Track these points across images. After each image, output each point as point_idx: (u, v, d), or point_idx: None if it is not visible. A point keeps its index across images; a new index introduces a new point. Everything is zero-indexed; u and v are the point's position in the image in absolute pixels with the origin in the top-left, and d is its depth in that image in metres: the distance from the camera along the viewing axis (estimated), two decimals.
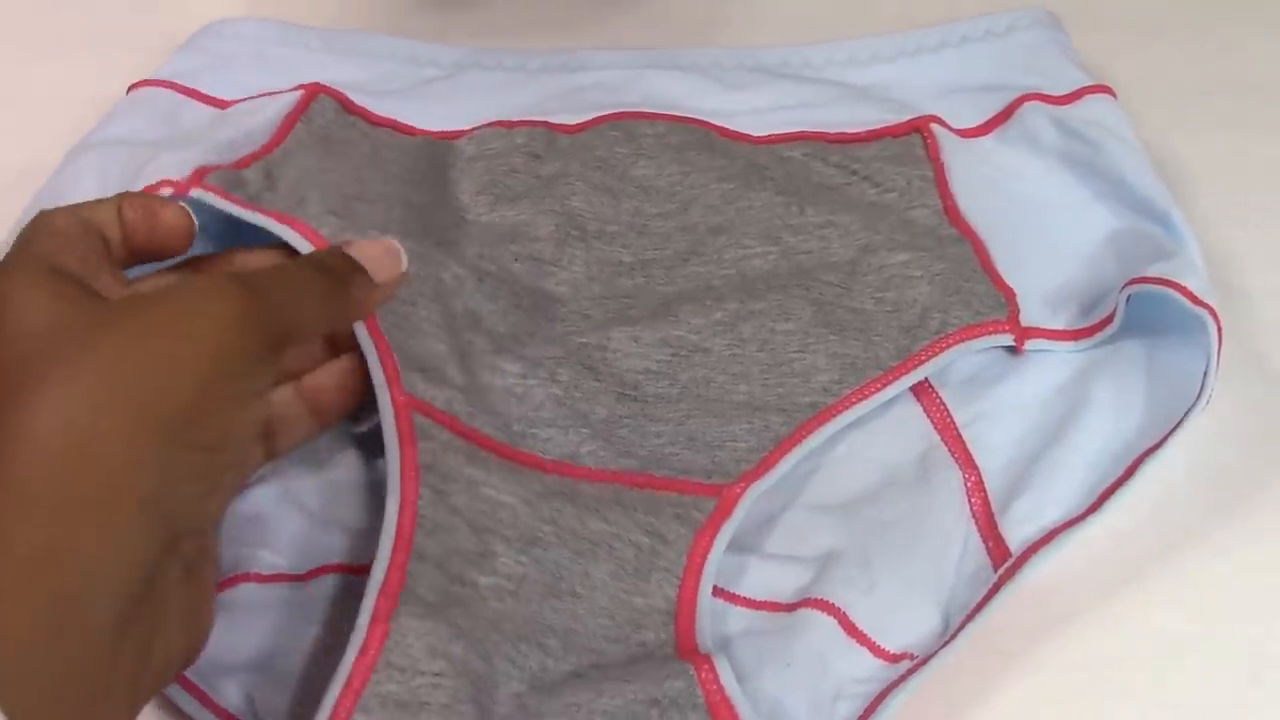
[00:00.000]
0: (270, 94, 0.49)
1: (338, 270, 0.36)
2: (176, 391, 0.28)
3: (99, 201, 0.35)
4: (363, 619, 0.32)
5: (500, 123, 0.48)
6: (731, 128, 0.49)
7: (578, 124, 0.48)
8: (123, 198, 0.35)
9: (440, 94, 0.52)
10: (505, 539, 0.35)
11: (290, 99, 0.48)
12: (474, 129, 0.49)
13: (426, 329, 0.39)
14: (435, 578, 0.34)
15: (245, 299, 0.31)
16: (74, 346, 0.28)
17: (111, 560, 0.27)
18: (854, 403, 0.39)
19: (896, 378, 0.39)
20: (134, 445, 0.27)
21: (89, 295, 0.30)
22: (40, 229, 0.32)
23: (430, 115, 0.50)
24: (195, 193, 0.41)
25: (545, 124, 0.48)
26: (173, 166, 0.44)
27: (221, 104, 0.50)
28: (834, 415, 0.39)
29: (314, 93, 0.48)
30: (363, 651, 0.31)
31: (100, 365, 0.28)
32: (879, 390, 0.39)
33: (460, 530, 0.35)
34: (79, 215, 0.34)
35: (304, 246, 0.40)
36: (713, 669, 0.32)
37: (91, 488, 0.27)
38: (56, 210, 0.33)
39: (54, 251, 0.31)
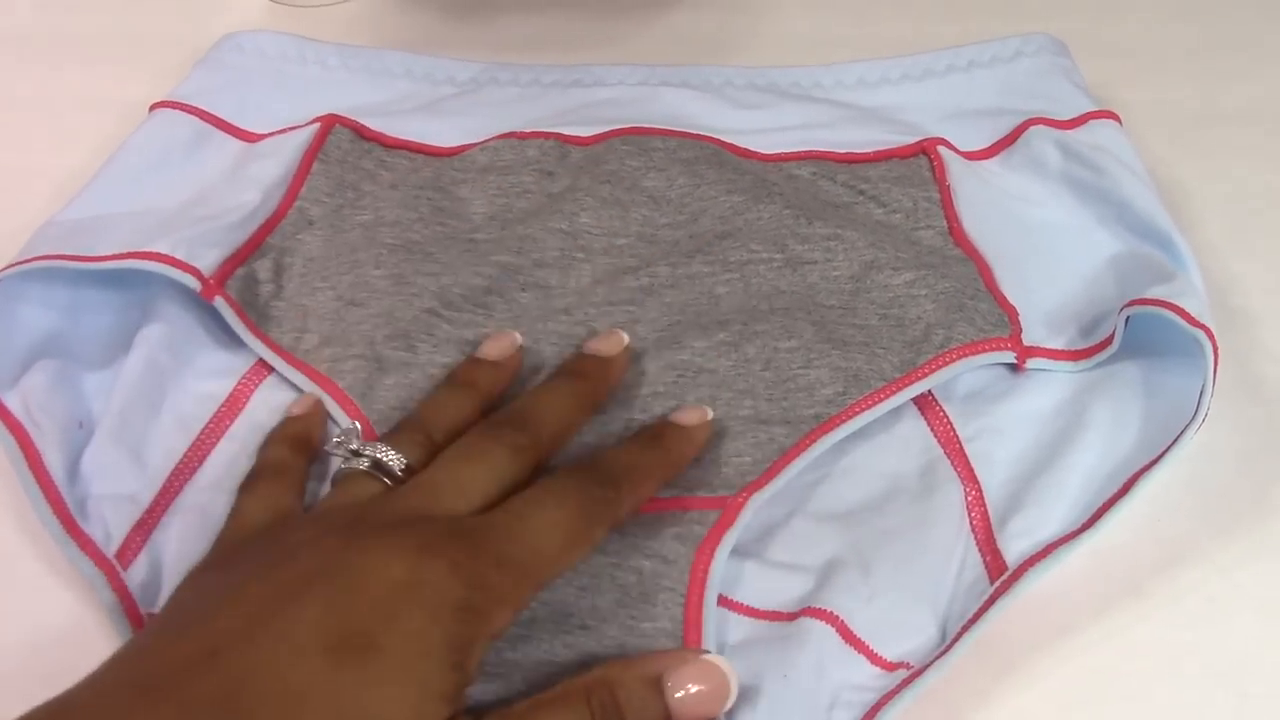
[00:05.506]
0: (288, 130, 0.50)
1: None
2: None
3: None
4: None
5: (513, 134, 0.49)
6: (741, 145, 0.49)
7: (590, 136, 0.49)
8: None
9: (456, 110, 0.52)
10: None
11: (307, 134, 0.49)
12: (487, 140, 0.49)
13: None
14: None
15: None
16: None
17: None
18: (857, 412, 0.39)
19: (899, 389, 0.40)
20: None
21: None
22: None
23: (446, 132, 0.51)
24: (218, 302, 0.42)
25: (558, 136, 0.49)
26: (199, 253, 0.43)
27: (244, 135, 0.50)
28: (837, 425, 0.39)
29: (330, 124, 0.50)
30: None
31: None
32: (882, 400, 0.39)
33: None
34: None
35: (306, 384, 0.42)
36: None
37: None
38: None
39: None
